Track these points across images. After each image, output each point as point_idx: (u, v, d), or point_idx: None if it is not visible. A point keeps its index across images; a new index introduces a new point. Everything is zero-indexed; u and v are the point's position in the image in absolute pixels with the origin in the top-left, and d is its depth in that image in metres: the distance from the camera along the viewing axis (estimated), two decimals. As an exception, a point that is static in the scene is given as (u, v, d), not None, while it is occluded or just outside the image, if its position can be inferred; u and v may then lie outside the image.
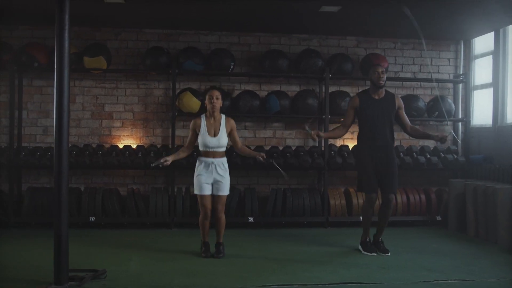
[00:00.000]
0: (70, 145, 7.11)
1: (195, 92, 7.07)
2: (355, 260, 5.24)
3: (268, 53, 7.34)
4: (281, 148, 7.32)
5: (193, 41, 7.48)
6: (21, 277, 4.39)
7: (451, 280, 4.49)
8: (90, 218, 6.72)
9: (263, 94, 7.48)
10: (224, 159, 5.29)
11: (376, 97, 5.55)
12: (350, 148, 7.42)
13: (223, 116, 5.32)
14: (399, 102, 5.61)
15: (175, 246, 5.80)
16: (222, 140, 5.22)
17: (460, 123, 7.88)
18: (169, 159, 5.20)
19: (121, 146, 7.12)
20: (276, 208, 7.05)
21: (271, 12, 6.59)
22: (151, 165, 5.25)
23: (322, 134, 5.62)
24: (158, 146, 7.21)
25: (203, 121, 5.25)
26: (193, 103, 7.00)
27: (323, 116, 7.27)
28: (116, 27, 7.28)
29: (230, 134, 5.31)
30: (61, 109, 4.15)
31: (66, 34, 4.12)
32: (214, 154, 5.22)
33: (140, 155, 6.89)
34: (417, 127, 6.19)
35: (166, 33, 7.45)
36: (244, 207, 6.97)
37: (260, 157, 5.18)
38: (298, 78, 7.54)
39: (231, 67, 7.20)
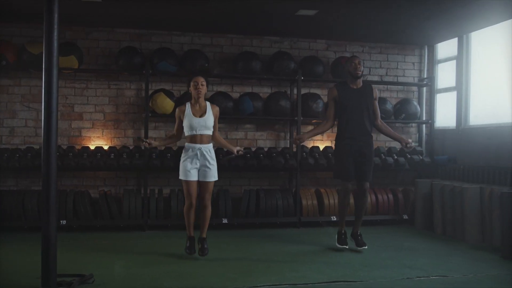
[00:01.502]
0: (38, 147, 6.92)
1: (168, 93, 7.01)
2: (336, 259, 5.35)
3: (241, 55, 7.38)
4: (253, 149, 7.38)
5: (165, 42, 7.41)
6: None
7: (432, 276, 4.66)
8: (61, 221, 6.54)
9: (235, 95, 7.51)
10: (211, 146, 5.22)
11: (354, 87, 5.68)
12: (321, 149, 7.57)
13: (208, 103, 5.28)
14: (376, 93, 5.76)
15: (155, 249, 5.73)
16: (208, 121, 5.14)
17: (424, 125, 8.19)
18: (154, 142, 5.13)
19: (92, 147, 6.97)
20: (249, 209, 7.10)
21: (244, 14, 6.63)
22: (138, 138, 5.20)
23: (304, 135, 5.69)
24: (130, 147, 7.10)
25: (188, 107, 5.19)
26: (167, 104, 6.95)
27: (296, 118, 7.37)
28: (87, 26, 7.13)
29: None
30: (50, 111, 4.08)
31: (55, 34, 4.04)
32: (201, 139, 5.12)
33: (112, 157, 6.78)
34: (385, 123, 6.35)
35: (138, 33, 7.35)
36: (218, 209, 6.97)
37: (240, 152, 5.18)
38: (270, 80, 7.61)
39: (206, 67, 7.18)
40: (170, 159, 6.82)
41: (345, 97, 5.64)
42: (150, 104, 6.94)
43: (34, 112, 7.02)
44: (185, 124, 5.15)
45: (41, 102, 6.84)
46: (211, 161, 5.18)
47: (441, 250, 5.88)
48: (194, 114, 5.15)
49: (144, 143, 5.07)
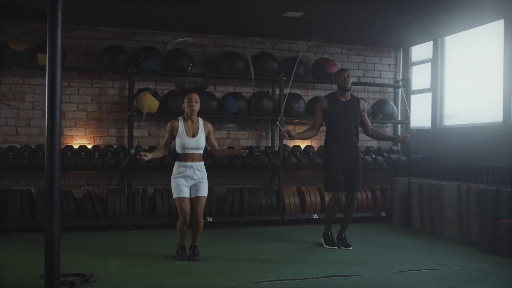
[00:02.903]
0: (20, 145, 6.81)
1: (153, 92, 7.01)
2: (327, 255, 5.50)
3: (225, 55, 7.44)
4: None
5: (148, 41, 7.40)
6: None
7: (422, 269, 4.87)
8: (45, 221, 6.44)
9: (218, 95, 7.57)
10: (202, 163, 5.27)
11: (343, 100, 5.85)
12: (302, 148, 7.72)
13: (200, 119, 5.31)
14: (363, 105, 5.96)
15: (145, 248, 5.75)
16: (200, 141, 5.19)
17: (399, 125, 8.47)
18: (148, 155, 5.13)
19: (75, 146, 6.89)
20: (234, 207, 7.17)
21: (228, 15, 6.69)
22: (131, 151, 5.16)
23: (293, 133, 5.82)
24: (115, 146, 7.06)
25: (180, 123, 5.20)
26: (152, 102, 6.95)
27: (278, 117, 7.48)
28: (70, 24, 7.03)
29: (207, 138, 5.30)
30: (54, 110, 4.02)
31: (59, 32, 4.00)
32: (193, 157, 5.16)
33: (97, 156, 6.72)
34: (376, 129, 6.56)
35: (121, 31, 7.31)
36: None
37: (243, 151, 5.20)
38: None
39: (190, 67, 7.22)
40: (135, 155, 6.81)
41: (334, 109, 5.80)
42: (135, 103, 6.92)
43: (15, 111, 6.89)
44: (177, 142, 5.17)
45: (22, 101, 6.85)
46: (203, 177, 5.23)
47: (423, 245, 6.12)
48: (187, 133, 5.15)
49: (141, 157, 5.04)
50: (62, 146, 6.85)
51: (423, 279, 4.56)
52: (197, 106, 5.19)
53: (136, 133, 7.20)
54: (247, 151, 5.17)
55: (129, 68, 6.90)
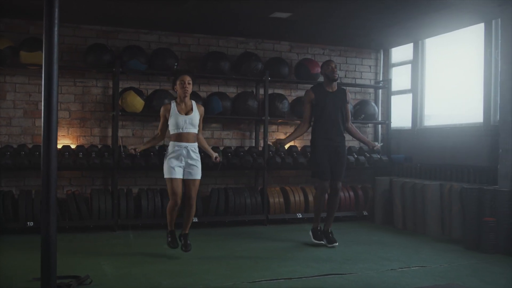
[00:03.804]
0: (1, 146, 6.65)
1: (138, 91, 6.95)
2: (317, 254, 5.55)
3: (210, 55, 7.43)
4: (221, 148, 7.45)
5: (132, 40, 7.33)
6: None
7: (412, 267, 4.98)
8: (28, 223, 6.33)
9: (202, 95, 7.54)
10: (197, 144, 5.22)
11: (330, 90, 5.93)
12: (286, 147, 7.77)
13: (193, 102, 5.28)
14: (349, 96, 6.05)
15: (134, 249, 5.71)
16: (195, 118, 5.14)
17: (380, 125, 8.61)
18: (139, 148, 5.08)
19: (59, 146, 6.76)
20: (219, 207, 7.17)
21: (213, 14, 6.67)
22: (121, 147, 5.09)
23: (284, 140, 5.87)
24: (99, 146, 6.96)
25: (173, 105, 5.17)
26: (137, 102, 6.88)
27: (263, 117, 7.52)
28: (52, 21, 6.89)
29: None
30: (50, 109, 3.95)
31: (56, 30, 3.93)
32: (188, 137, 5.10)
33: (81, 156, 6.62)
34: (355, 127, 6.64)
35: (105, 30, 7.21)
36: (188, 207, 6.99)
37: (216, 160, 5.28)
38: (236, 80, 7.72)
39: (175, 67, 7.18)
40: (141, 158, 6.76)
41: (321, 99, 5.87)
42: (119, 102, 6.84)
43: (-8, 110, 6.74)
44: (171, 122, 5.12)
45: (3, 99, 6.69)
46: (197, 159, 5.20)
47: (408, 243, 6.24)
48: (179, 112, 5.13)
49: (131, 150, 5.00)
50: (45, 146, 6.72)
51: (415, 276, 4.65)
52: (190, 88, 5.16)
53: (119, 132, 7.09)
54: (218, 161, 5.39)
55: (114, 67, 6.82)
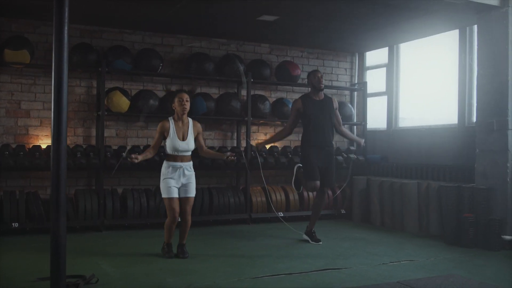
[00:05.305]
0: (-17, 145, 6.51)
1: (123, 91, 6.94)
2: (308, 250, 5.73)
3: (194, 56, 7.50)
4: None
5: (116, 40, 7.31)
6: None
7: (402, 261, 5.23)
8: (13, 224, 6.23)
9: (185, 95, 7.59)
10: (191, 163, 5.35)
11: (317, 99, 6.14)
12: (267, 148, 7.92)
13: (190, 120, 5.38)
14: (336, 103, 6.27)
15: (126, 249, 5.72)
16: (190, 144, 5.29)
17: (355, 126, 8.89)
18: (139, 158, 5.12)
19: (43, 146, 6.68)
20: (203, 206, 7.25)
21: (196, 16, 6.74)
22: (122, 154, 5.09)
23: (263, 143, 6.09)
24: (84, 146, 6.91)
25: (171, 124, 5.25)
26: (123, 102, 6.88)
27: (246, 118, 7.65)
28: (35, 20, 6.81)
29: (196, 138, 5.38)
30: (60, 109, 3.94)
31: (66, 29, 3.94)
32: (182, 158, 5.25)
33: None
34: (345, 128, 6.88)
35: (89, 29, 7.17)
36: (173, 207, 7.03)
37: (231, 157, 5.35)
38: (218, 81, 7.81)
39: (160, 67, 7.22)
40: (126, 158, 6.75)
41: (309, 108, 6.07)
42: (105, 102, 6.82)
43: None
44: (168, 144, 5.23)
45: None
46: (192, 177, 5.33)
47: (390, 239, 6.50)
48: (178, 135, 5.23)
49: (131, 159, 5.04)
50: (30, 146, 6.64)
51: (408, 269, 4.89)
52: (188, 105, 5.28)
53: (105, 133, 7.07)
54: (235, 158, 5.36)
55: (99, 67, 6.79)
